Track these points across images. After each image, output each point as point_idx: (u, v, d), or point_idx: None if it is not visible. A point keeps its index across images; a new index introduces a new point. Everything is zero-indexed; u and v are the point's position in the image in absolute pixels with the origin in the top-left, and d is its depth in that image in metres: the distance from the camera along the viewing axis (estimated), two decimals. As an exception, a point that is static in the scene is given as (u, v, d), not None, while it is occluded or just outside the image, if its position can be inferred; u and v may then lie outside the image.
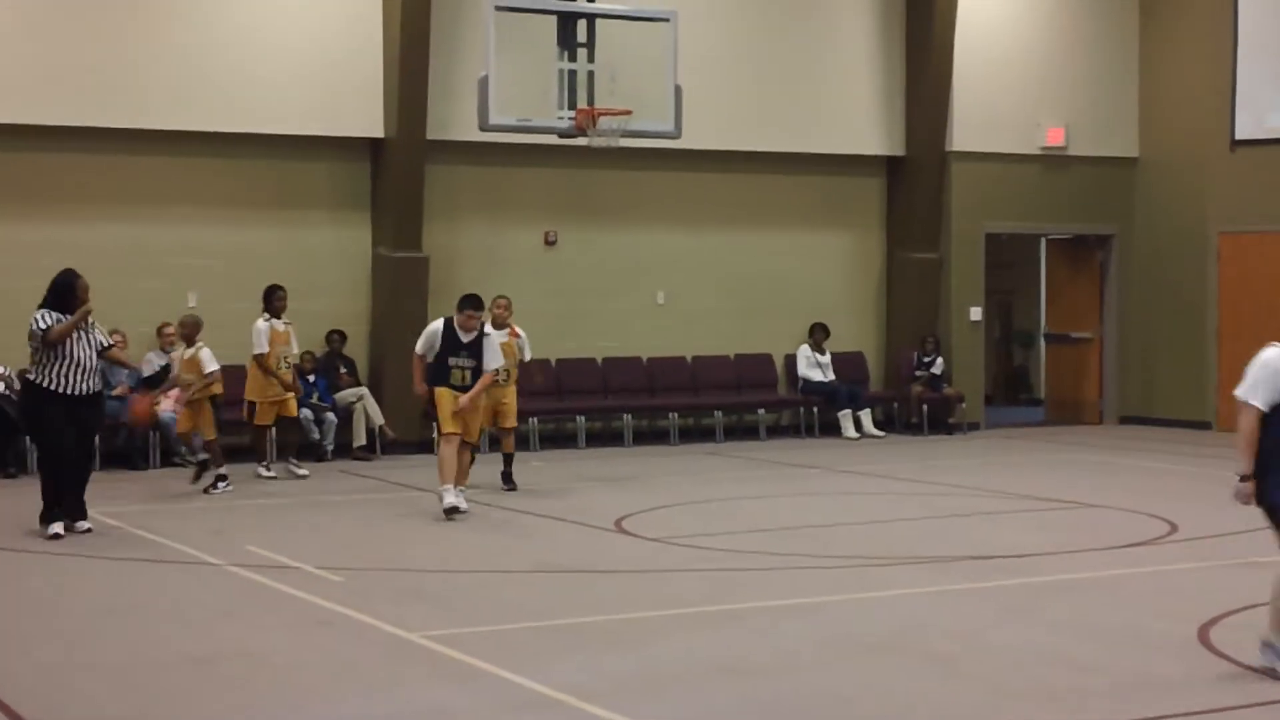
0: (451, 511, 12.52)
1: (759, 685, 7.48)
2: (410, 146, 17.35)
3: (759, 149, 19.45)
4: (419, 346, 13.36)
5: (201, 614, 9.17)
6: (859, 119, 19.95)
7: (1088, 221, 21.29)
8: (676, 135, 15.74)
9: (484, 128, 15.05)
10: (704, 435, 19.08)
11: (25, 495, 13.83)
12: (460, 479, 12.84)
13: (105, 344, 11.88)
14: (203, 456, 14.34)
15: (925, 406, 19.87)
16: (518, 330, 14.59)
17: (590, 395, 18.76)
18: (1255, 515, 12.55)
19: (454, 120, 17.39)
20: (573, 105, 15.11)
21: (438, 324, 13.17)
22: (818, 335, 19.75)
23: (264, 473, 15.31)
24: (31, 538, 11.69)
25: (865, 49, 19.94)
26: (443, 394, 12.91)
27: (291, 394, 15.38)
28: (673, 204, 19.30)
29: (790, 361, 19.86)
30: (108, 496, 13.24)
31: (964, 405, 20.15)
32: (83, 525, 11.74)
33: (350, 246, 17.79)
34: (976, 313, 20.59)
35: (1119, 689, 7.42)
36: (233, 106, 16.92)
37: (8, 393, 15.42)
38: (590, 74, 15.20)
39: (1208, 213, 20.38)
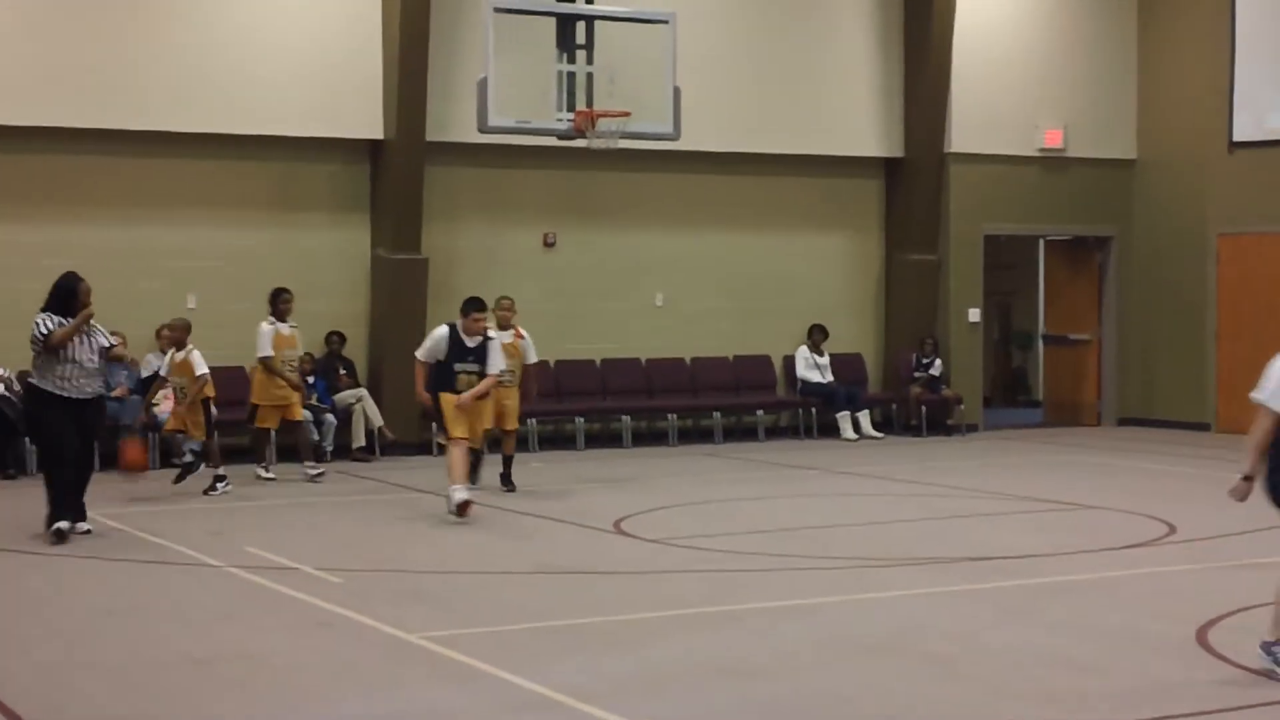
0: (464, 507, 12.45)
1: (758, 686, 7.49)
2: (409, 148, 17.36)
3: (758, 150, 19.46)
4: (422, 353, 13.30)
5: (201, 615, 9.18)
6: (857, 121, 19.96)
7: (1086, 223, 21.30)
8: (675, 137, 15.75)
9: (483, 129, 15.06)
10: (703, 436, 19.09)
11: (25, 496, 13.83)
12: (457, 477, 12.80)
13: (108, 345, 11.88)
14: (188, 459, 14.31)
15: (924, 408, 19.88)
16: (522, 332, 14.58)
17: (589, 396, 18.78)
18: (1254, 517, 12.57)
19: (453, 122, 17.40)
20: (572, 107, 15.12)
21: (442, 330, 13.12)
22: (816, 337, 19.75)
23: (263, 474, 15.31)
24: (31, 538, 11.68)
25: (863, 51, 19.96)
26: (448, 399, 12.90)
27: (297, 397, 15.34)
28: (671, 205, 19.31)
29: (789, 363, 19.87)
30: (107, 498, 13.24)
31: (962, 407, 20.16)
32: (82, 526, 11.74)
33: (349, 248, 17.80)
34: (975, 314, 20.60)
35: (1117, 690, 7.43)
36: (232, 108, 16.93)
37: (7, 394, 15.43)
38: (589, 75, 15.21)
39: (1206, 214, 20.39)
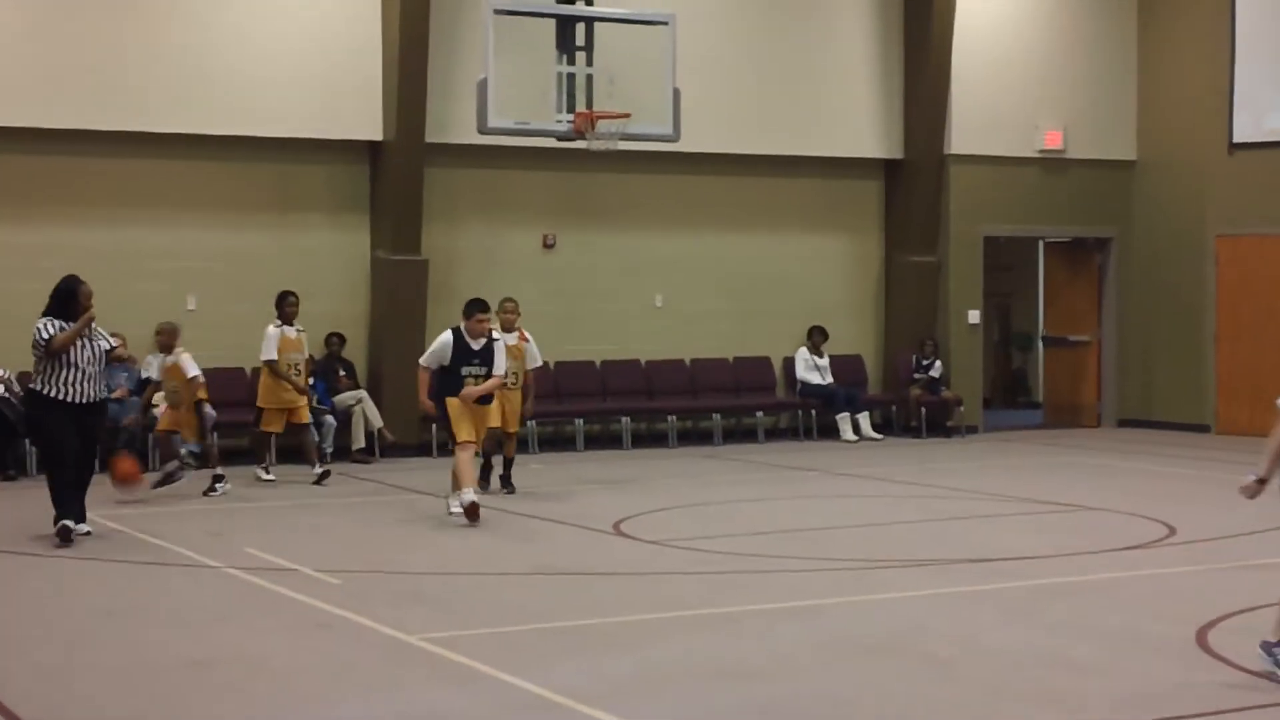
0: (472, 509, 12.38)
1: (757, 687, 7.49)
2: (409, 149, 17.36)
3: (757, 152, 19.46)
4: (426, 360, 13.15)
5: (200, 616, 9.17)
6: (857, 122, 19.96)
7: (1086, 224, 21.30)
8: (675, 138, 15.75)
9: (483, 130, 15.05)
10: (702, 438, 19.09)
11: (25, 498, 13.85)
12: (466, 481, 12.70)
13: (109, 347, 11.86)
14: (170, 468, 14.21)
15: (923, 409, 19.88)
16: (526, 335, 14.49)
17: (589, 398, 18.78)
18: (1254, 518, 12.56)
19: (453, 123, 17.40)
20: (571, 108, 15.12)
21: (447, 335, 13.00)
22: (816, 338, 19.76)
23: (263, 475, 15.29)
24: (30, 540, 11.67)
25: (863, 52, 19.96)
26: (453, 404, 12.82)
27: (303, 401, 15.30)
28: (671, 207, 19.31)
29: (789, 364, 19.87)
30: (107, 499, 13.23)
31: (962, 408, 20.16)
32: (82, 528, 11.72)
33: (349, 249, 17.80)
34: (975, 315, 20.60)
35: (1117, 691, 7.42)
36: (232, 109, 16.93)
37: (7, 395, 15.41)
38: (589, 77, 15.20)
39: (1206, 215, 20.39)
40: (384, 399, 17.38)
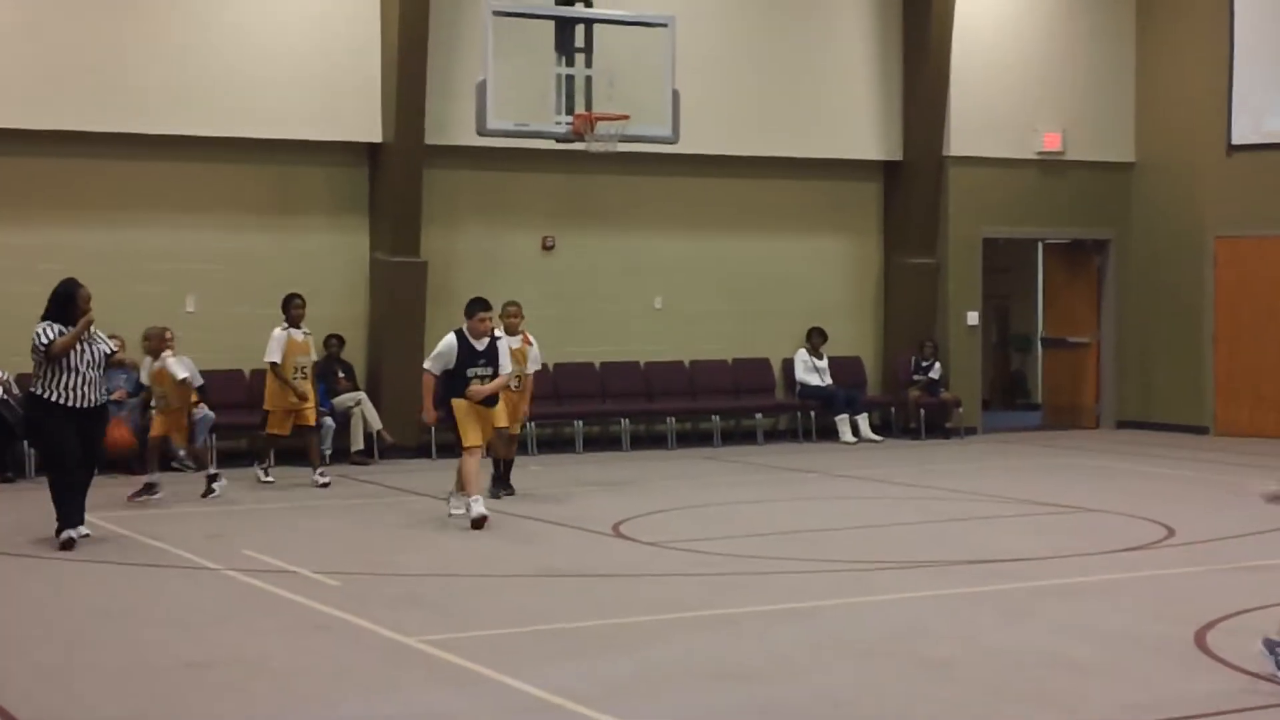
0: (479, 521, 12.26)
1: (756, 689, 7.49)
2: (408, 151, 17.36)
3: (756, 154, 19.46)
4: (432, 365, 12.88)
5: (198, 618, 9.17)
6: (856, 124, 19.97)
7: (1085, 226, 21.31)
8: (674, 140, 15.76)
9: (482, 132, 15.05)
10: (701, 440, 19.09)
11: (23, 500, 13.85)
12: (474, 488, 12.59)
13: (110, 351, 11.84)
14: (153, 478, 14.00)
15: (922, 411, 19.89)
16: (530, 338, 14.37)
17: (588, 400, 18.77)
18: (1253, 519, 12.55)
19: (452, 125, 17.40)
20: (570, 110, 15.12)
21: (450, 338, 12.81)
22: (815, 340, 19.76)
23: (263, 477, 15.26)
24: (29, 542, 11.67)
25: (862, 54, 19.97)
26: (460, 406, 12.71)
27: (309, 404, 15.22)
28: (670, 208, 19.32)
29: (788, 366, 19.87)
30: (106, 501, 13.23)
31: (961, 410, 20.16)
32: (81, 530, 11.69)
33: (348, 251, 17.80)
34: (973, 317, 20.61)
35: (1116, 692, 7.42)
36: (231, 111, 16.93)
37: (6, 398, 15.39)
38: (588, 79, 15.21)
39: (1205, 217, 20.40)
40: (383, 401, 17.38)
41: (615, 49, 15.33)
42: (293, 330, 15.15)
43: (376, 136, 17.52)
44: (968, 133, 20.24)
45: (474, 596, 9.95)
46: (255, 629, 8.87)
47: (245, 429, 16.80)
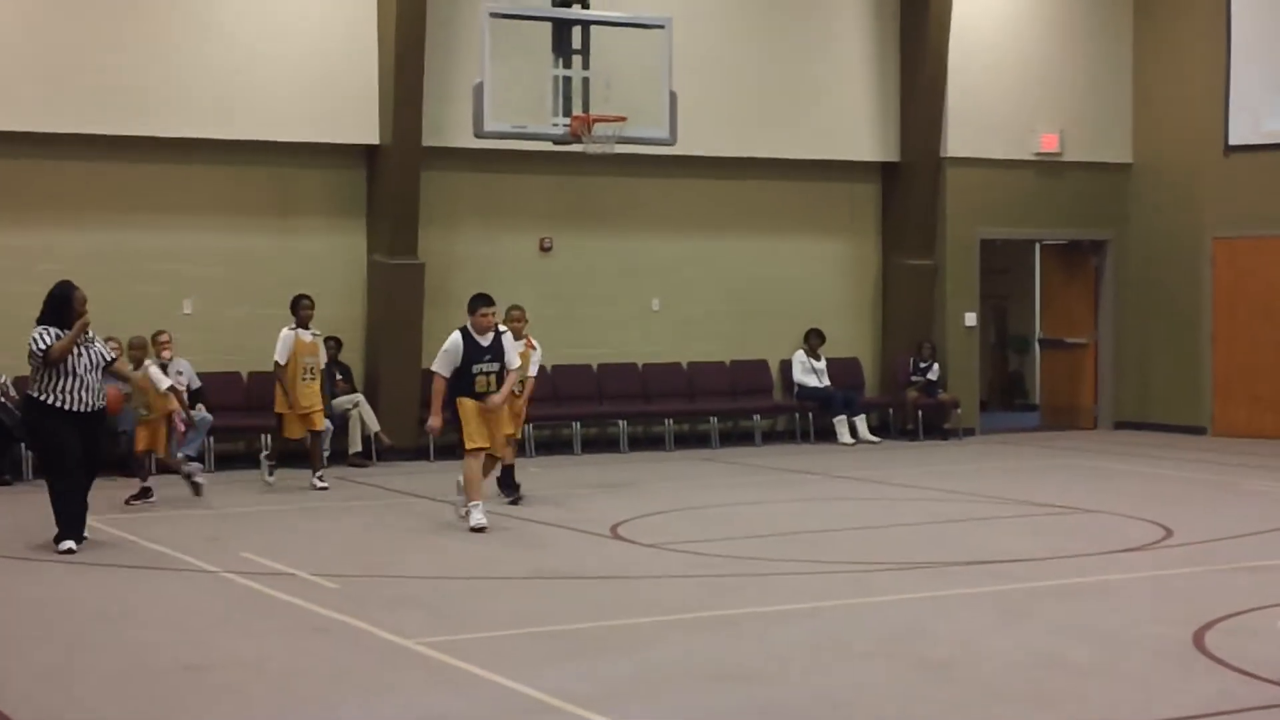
0: (478, 531, 12.21)
1: (755, 690, 7.49)
2: (406, 153, 17.36)
3: (754, 155, 19.47)
4: (440, 366, 12.63)
5: (197, 621, 9.17)
6: (854, 125, 19.98)
7: (1082, 227, 21.32)
8: (671, 141, 15.76)
9: (479, 134, 15.05)
10: (699, 441, 19.09)
11: (21, 503, 13.85)
12: (476, 493, 12.49)
13: (108, 359, 11.81)
14: (148, 484, 13.96)
15: (920, 412, 19.90)
16: (534, 342, 14.22)
17: (586, 401, 18.77)
18: (1251, 520, 12.56)
19: (449, 127, 17.40)
20: (568, 112, 15.13)
21: (455, 336, 12.63)
22: (813, 341, 19.76)
23: (267, 477, 15.13)
24: (28, 546, 11.66)
25: (860, 55, 19.97)
26: (466, 405, 12.54)
27: (318, 408, 15.15)
28: (668, 210, 19.32)
29: (786, 367, 19.87)
30: (104, 504, 13.22)
31: (959, 411, 20.16)
32: (80, 546, 11.58)
33: (346, 253, 17.81)
34: (971, 318, 20.61)
35: (1114, 693, 7.43)
36: (229, 113, 16.94)
37: (4, 401, 15.38)
38: (585, 80, 15.22)
39: (1202, 218, 20.41)
40: (381, 402, 17.39)
41: (612, 51, 15.34)
42: (300, 331, 15.06)
43: (374, 138, 17.52)
44: (965, 134, 20.25)
45: (472, 598, 9.95)
46: (254, 631, 8.87)
47: (243, 431, 16.82)
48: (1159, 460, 17.63)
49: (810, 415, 19.59)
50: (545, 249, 18.76)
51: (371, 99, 17.45)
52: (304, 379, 15.00)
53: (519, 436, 14.43)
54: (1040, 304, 23.44)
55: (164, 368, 15.14)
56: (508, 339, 12.89)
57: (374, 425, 17.21)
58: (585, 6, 15.57)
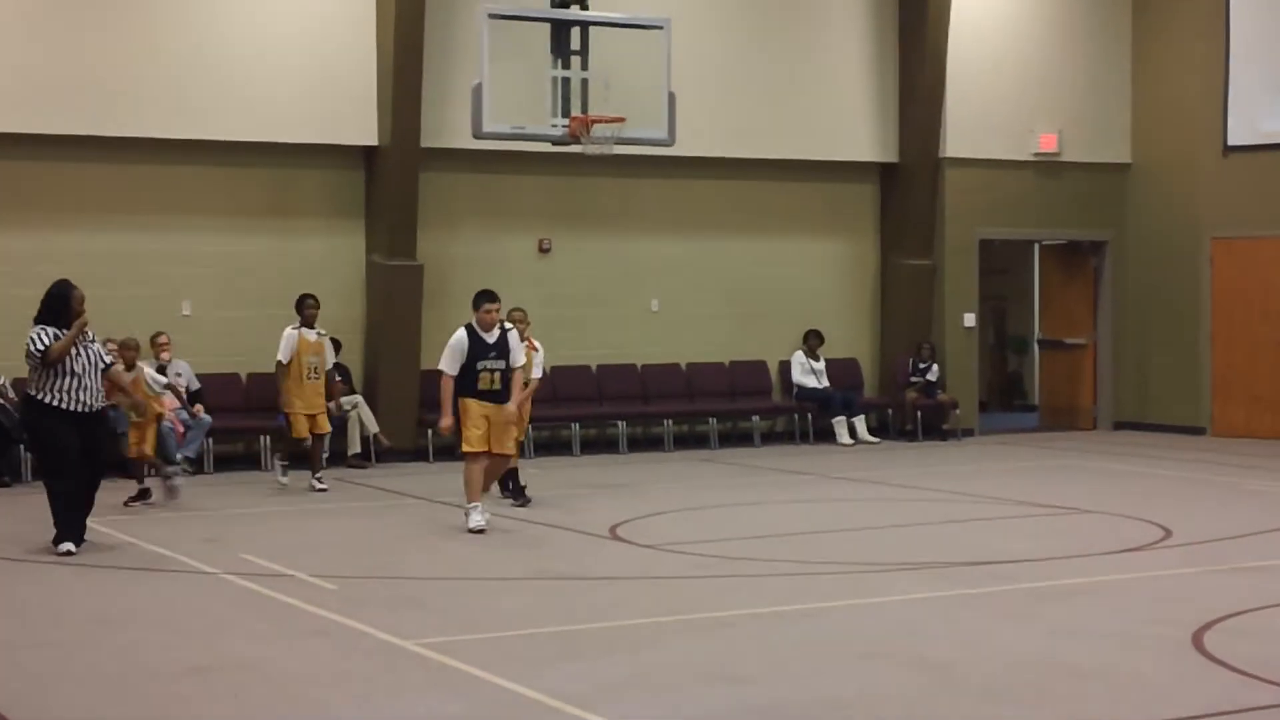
0: (476, 532, 12.18)
1: (754, 691, 7.49)
2: (404, 154, 17.35)
3: (753, 156, 19.47)
4: (447, 365, 12.49)
5: (196, 622, 9.16)
6: (853, 126, 19.98)
7: (1081, 227, 21.32)
8: (670, 142, 15.75)
9: (478, 135, 15.04)
10: (698, 442, 19.09)
11: (20, 504, 13.84)
12: (475, 495, 12.47)
13: (107, 363, 11.78)
14: (145, 485, 13.92)
15: (919, 413, 19.90)
16: (536, 344, 14.15)
17: (585, 402, 18.77)
18: (1250, 520, 12.56)
19: (448, 128, 17.39)
20: (566, 113, 15.11)
21: (460, 333, 12.53)
22: (812, 342, 19.76)
23: (280, 478, 15.06)
24: (26, 548, 11.65)
25: (859, 56, 19.97)
26: (469, 405, 12.45)
27: (322, 410, 15.08)
28: (667, 211, 19.32)
29: (785, 368, 19.87)
30: (103, 505, 13.18)
31: (958, 411, 20.16)
32: (79, 548, 11.54)
33: (344, 254, 17.80)
34: (970, 319, 20.61)
35: (1114, 693, 7.43)
36: (227, 114, 16.93)
37: (2, 402, 15.36)
38: (584, 81, 15.20)
39: (1201, 218, 20.41)
40: (380, 404, 17.38)
41: (611, 51, 15.33)
42: (304, 330, 15.03)
43: (373, 140, 17.52)
44: (964, 134, 20.25)
45: (471, 599, 9.95)
46: (253, 633, 8.86)
47: (242, 433, 16.81)
48: (1158, 460, 17.63)
49: (809, 416, 19.58)
50: (544, 250, 18.75)
51: (370, 100, 17.45)
52: (308, 378, 14.97)
53: (521, 438, 14.40)
54: (1039, 304, 23.44)
55: (163, 369, 15.13)
56: (513, 336, 12.78)
57: (373, 426, 17.21)
58: (584, 7, 15.57)
